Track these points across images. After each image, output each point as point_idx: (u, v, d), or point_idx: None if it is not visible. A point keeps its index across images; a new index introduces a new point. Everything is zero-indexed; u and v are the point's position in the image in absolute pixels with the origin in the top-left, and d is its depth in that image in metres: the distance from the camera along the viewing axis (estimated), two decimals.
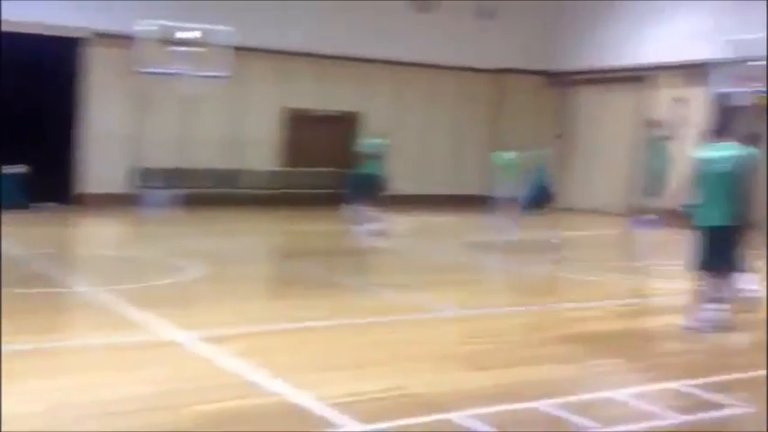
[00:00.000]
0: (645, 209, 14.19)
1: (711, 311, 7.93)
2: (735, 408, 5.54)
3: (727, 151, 7.88)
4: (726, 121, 8.25)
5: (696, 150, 8.36)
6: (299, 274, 11.07)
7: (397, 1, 21.57)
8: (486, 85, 23.53)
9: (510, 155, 18.36)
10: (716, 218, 7.81)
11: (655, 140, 14.57)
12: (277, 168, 21.00)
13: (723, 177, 7.78)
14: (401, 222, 17.31)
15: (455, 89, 23.18)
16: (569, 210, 22.57)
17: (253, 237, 15.61)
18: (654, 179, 16.12)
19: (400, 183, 22.12)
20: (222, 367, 6.02)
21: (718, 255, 7.89)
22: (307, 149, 20.90)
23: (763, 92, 15.86)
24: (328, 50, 20.89)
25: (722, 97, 17.11)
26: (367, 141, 16.84)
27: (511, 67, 23.30)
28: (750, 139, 8.23)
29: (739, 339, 7.85)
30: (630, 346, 7.50)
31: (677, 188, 8.28)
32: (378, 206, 15.74)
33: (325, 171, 20.80)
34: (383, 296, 9.35)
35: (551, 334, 7.61)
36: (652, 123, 14.50)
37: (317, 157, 20.89)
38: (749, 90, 15.88)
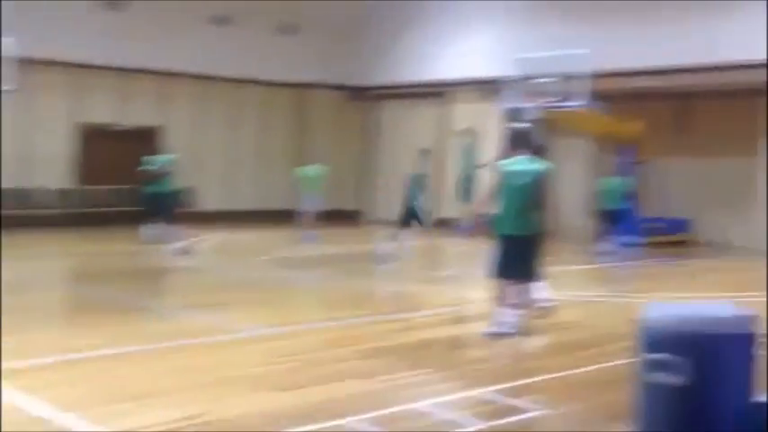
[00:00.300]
0: (454, 218, 14.66)
1: (510, 318, 8.20)
2: (535, 411, 5.71)
3: (525, 164, 8.21)
4: (519, 136, 8.57)
5: (497, 163, 8.65)
6: (94, 299, 10.46)
7: (196, 14, 21.08)
8: (289, 99, 23.49)
9: (313, 169, 18.40)
10: (515, 227, 8.09)
11: (465, 152, 14.96)
12: (71, 187, 19.90)
13: (522, 189, 8.07)
14: (205, 240, 16.87)
15: (259, 103, 22.97)
16: (381, 222, 22.88)
17: (44, 261, 14.60)
18: (464, 189, 16.76)
19: (204, 198, 21.67)
20: (8, 403, 5.50)
21: (517, 263, 8.19)
22: (103, 166, 19.96)
23: (550, 107, 16.76)
24: (126, 63, 20.10)
25: (514, 112, 17.93)
26: (153, 159, 16.35)
27: (314, 82, 23.39)
28: (538, 152, 8.62)
29: (536, 344, 8.15)
30: (437, 356, 7.61)
31: (481, 198, 8.52)
32: (174, 224, 15.30)
33: (122, 189, 19.92)
34: (185, 318, 9.00)
35: (360, 348, 7.58)
36: (463, 133, 14.89)
37: (114, 174, 19.96)
38: (537, 105, 16.74)
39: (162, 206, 15.69)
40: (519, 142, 8.43)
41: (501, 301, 8.26)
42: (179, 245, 14.72)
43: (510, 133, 8.76)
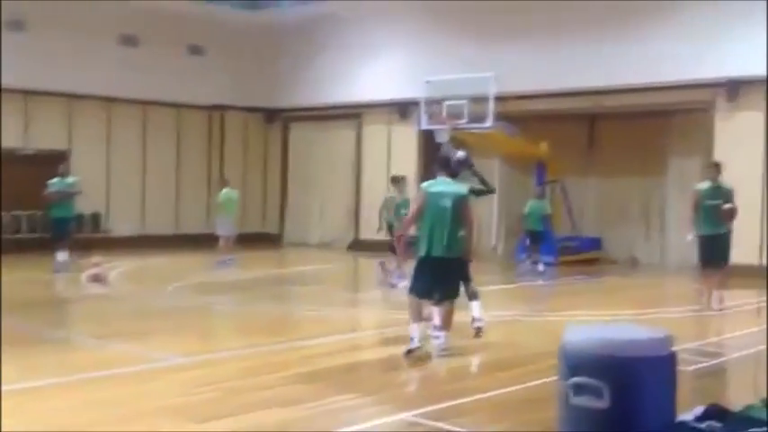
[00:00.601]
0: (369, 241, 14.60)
1: (436, 339, 8.25)
2: None
3: (447, 186, 8.30)
4: (441, 158, 8.72)
5: (420, 185, 8.73)
6: (5, 330, 9.97)
7: (104, 35, 20.66)
8: (203, 121, 23.20)
9: (227, 193, 18.19)
10: (442, 249, 8.12)
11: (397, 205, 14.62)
12: None
13: (447, 210, 8.13)
14: (117, 266, 16.43)
15: (171, 125, 22.59)
16: (299, 245, 22.78)
17: None
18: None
19: (115, 223, 21.15)
20: None
21: (444, 284, 8.27)
22: (12, 191, 19.24)
23: (459, 128, 17.02)
24: (32, 85, 19.52)
25: (429, 134, 18.15)
26: (56, 182, 15.65)
27: (227, 104, 23.16)
28: (480, 177, 8.78)
29: (460, 365, 8.17)
30: (363, 380, 7.58)
31: (407, 221, 8.61)
32: (77, 248, 14.87)
33: (31, 214, 19.26)
34: (100, 349, 8.70)
35: (282, 374, 7.45)
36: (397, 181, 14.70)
37: (24, 199, 19.21)
38: (447, 126, 16.98)
39: (67, 231, 15.18)
40: (441, 165, 8.55)
41: (418, 318, 8.29)
42: (92, 271, 14.32)
43: (433, 156, 8.93)
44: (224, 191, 18.25)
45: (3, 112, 19.35)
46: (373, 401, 6.64)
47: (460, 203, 8.20)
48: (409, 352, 8.04)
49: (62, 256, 15.11)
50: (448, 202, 8.14)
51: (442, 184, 8.30)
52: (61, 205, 15.42)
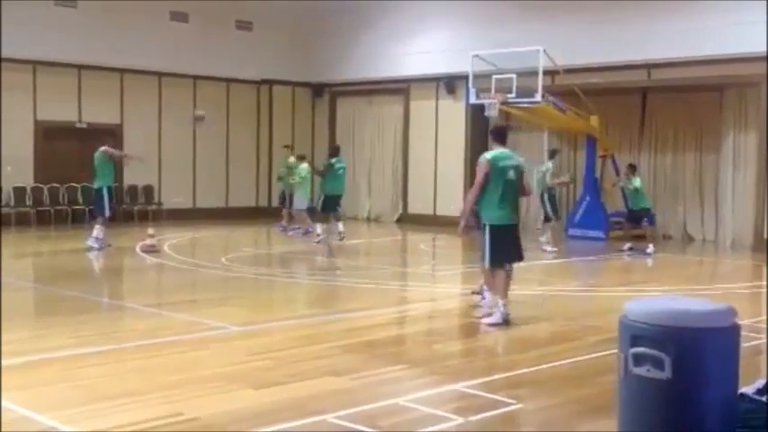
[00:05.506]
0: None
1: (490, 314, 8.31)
2: (513, 405, 5.68)
3: (512, 158, 8.58)
4: (499, 130, 8.93)
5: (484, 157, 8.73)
6: (62, 298, 10.23)
7: (156, 12, 20.83)
8: (251, 95, 23.30)
9: (304, 166, 18.53)
10: (512, 217, 8.52)
11: None
12: (32, 185, 19.53)
13: (512, 180, 8.44)
14: (171, 237, 16.67)
15: (221, 100, 22.73)
16: (347, 218, 22.82)
17: (7, 260, 14.29)
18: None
19: (167, 196, 21.46)
20: None
21: (515, 248, 8.57)
22: (66, 163, 19.61)
23: (508, 102, 16.83)
24: (86, 61, 19.79)
25: (478, 109, 18.01)
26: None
27: (275, 79, 23.21)
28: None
29: (512, 338, 8.12)
30: (413, 351, 7.59)
31: (473, 193, 8.66)
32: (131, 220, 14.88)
33: (85, 187, 19.58)
34: (156, 317, 8.85)
35: (334, 344, 7.51)
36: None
37: (76, 172, 19.55)
38: (497, 101, 16.77)
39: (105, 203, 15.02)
40: (499, 137, 8.78)
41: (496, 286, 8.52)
42: (147, 242, 14.53)
43: (492, 129, 9.20)
44: (301, 166, 18.69)
45: (58, 86, 19.69)
46: (425, 372, 6.65)
47: (522, 173, 8.61)
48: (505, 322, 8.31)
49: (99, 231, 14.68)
50: (514, 173, 8.46)
51: (508, 157, 8.57)
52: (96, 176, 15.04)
